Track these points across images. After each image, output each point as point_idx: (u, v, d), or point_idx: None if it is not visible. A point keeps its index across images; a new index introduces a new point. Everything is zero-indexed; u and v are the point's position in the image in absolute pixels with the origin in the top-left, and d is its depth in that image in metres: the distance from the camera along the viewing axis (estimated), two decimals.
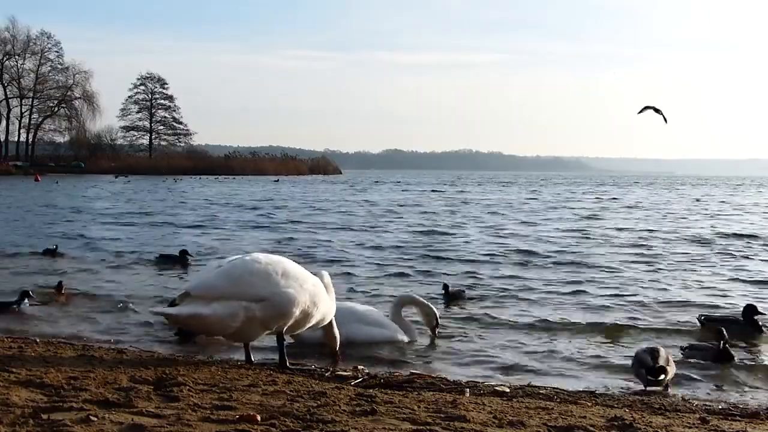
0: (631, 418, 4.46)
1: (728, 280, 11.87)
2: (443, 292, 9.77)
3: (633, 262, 13.90)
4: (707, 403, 5.55)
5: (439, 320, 7.67)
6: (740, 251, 15.82)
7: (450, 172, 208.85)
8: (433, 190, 54.63)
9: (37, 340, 6.73)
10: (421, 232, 19.98)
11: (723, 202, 41.56)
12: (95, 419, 3.89)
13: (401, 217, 25.87)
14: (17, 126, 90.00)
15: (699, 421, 4.60)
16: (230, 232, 19.72)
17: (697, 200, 43.33)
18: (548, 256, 14.45)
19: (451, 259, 14.23)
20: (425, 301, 7.74)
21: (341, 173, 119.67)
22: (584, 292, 10.56)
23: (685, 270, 12.91)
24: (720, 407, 5.37)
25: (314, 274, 6.06)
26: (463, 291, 10.02)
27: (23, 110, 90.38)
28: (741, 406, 5.44)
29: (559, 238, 18.31)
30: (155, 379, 5.02)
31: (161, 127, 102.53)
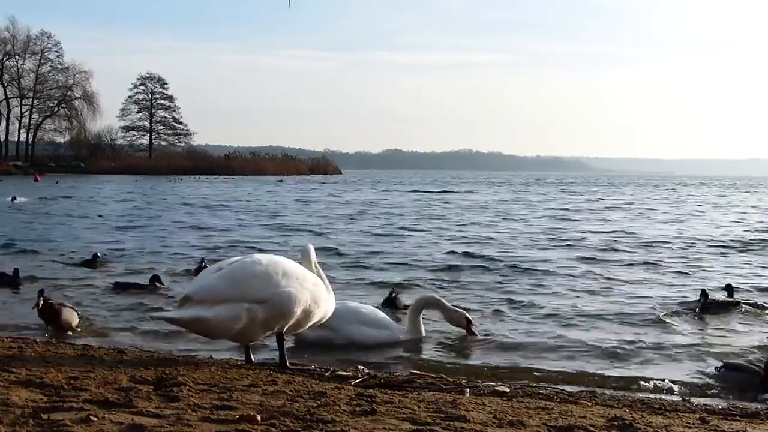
0: (631, 418, 4.45)
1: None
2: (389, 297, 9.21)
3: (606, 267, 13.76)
4: (707, 403, 5.56)
5: (471, 319, 7.65)
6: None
7: (450, 172, 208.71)
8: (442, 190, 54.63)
9: (37, 340, 6.74)
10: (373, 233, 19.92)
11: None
12: (95, 419, 3.89)
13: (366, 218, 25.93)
14: (17, 126, 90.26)
15: (699, 421, 4.60)
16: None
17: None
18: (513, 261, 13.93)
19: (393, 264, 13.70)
20: (450, 305, 7.69)
21: (341, 173, 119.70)
22: (572, 289, 10.61)
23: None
24: (720, 407, 5.37)
25: (300, 249, 6.25)
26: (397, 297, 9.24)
27: (23, 110, 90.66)
28: (741, 406, 5.44)
29: (518, 242, 17.88)
30: (155, 379, 5.02)
31: (161, 127, 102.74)
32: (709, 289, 9.59)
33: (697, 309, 9.11)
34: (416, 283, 11.22)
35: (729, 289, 9.50)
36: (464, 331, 7.60)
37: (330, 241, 17.37)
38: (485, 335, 7.75)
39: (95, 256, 12.91)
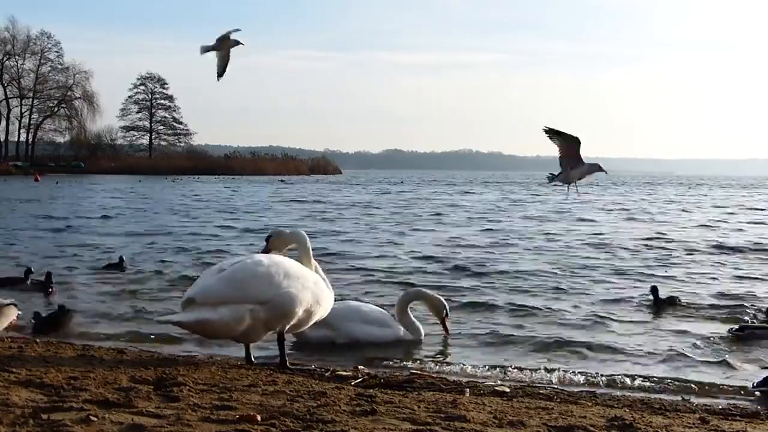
0: (631, 418, 4.46)
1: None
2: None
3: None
4: (707, 403, 5.55)
5: (448, 311, 7.61)
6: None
7: (450, 171, 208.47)
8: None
9: (37, 340, 6.74)
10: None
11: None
12: (95, 419, 3.89)
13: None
14: (17, 126, 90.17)
15: (699, 421, 4.60)
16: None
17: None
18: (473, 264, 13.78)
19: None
20: (433, 294, 7.70)
21: (341, 173, 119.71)
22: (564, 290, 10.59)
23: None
24: (720, 407, 5.37)
25: (291, 233, 6.38)
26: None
27: (23, 110, 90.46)
28: (741, 406, 5.44)
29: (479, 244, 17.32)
30: (155, 379, 5.03)
31: (161, 127, 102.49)
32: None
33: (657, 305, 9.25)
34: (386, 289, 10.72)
35: (654, 291, 9.34)
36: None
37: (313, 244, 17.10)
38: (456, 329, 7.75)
39: (122, 258, 12.42)
